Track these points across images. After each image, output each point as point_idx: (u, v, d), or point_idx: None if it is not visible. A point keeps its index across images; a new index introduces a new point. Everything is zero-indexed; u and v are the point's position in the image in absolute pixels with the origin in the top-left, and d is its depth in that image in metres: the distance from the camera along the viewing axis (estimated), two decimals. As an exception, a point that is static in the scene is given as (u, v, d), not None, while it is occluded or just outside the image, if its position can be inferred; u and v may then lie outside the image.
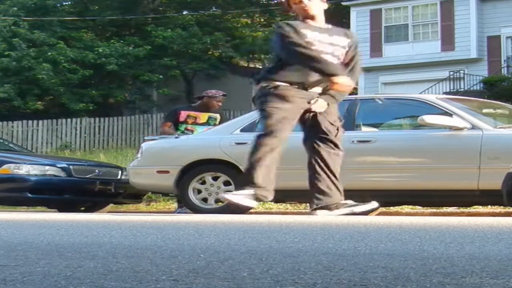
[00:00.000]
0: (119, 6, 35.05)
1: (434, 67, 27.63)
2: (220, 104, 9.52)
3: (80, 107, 30.23)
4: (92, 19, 34.64)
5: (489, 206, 9.27)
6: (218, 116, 9.52)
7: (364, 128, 7.95)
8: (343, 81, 5.66)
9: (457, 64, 27.41)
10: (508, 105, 9.56)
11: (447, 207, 9.51)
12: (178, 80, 34.13)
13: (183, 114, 9.47)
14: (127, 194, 10.04)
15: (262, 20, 40.06)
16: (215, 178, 8.05)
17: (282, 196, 7.76)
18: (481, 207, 9.34)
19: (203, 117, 9.44)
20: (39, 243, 3.42)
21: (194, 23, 34.59)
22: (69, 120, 27.49)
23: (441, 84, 26.97)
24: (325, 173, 6.00)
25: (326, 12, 5.99)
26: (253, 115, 8.13)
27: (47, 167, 9.85)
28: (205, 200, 8.05)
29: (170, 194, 10.08)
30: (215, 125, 9.31)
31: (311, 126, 5.97)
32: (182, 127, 9.39)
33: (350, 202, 6.12)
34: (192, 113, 9.50)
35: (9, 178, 9.63)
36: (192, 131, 9.32)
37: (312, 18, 5.85)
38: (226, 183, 8.04)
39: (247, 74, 31.87)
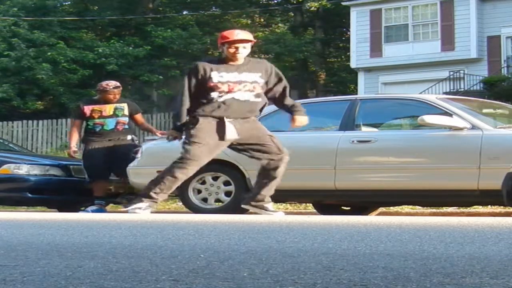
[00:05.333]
0: (119, 6, 35.04)
1: (434, 67, 27.61)
2: (116, 97, 9.15)
3: (80, 107, 30.20)
4: (92, 19, 34.63)
5: (489, 206, 9.27)
6: (125, 105, 9.25)
7: (364, 128, 7.95)
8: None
9: (457, 64, 27.40)
10: (508, 105, 9.56)
11: (447, 207, 9.51)
12: (178, 80, 34.09)
13: (87, 110, 9.15)
14: (127, 194, 10.03)
15: (262, 20, 40.07)
16: (215, 178, 8.05)
17: (282, 196, 7.77)
18: (481, 207, 9.34)
19: (108, 109, 9.13)
20: (39, 243, 3.42)
21: (194, 23, 34.59)
22: (69, 120, 27.47)
23: (441, 84, 26.96)
24: None
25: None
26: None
27: (47, 167, 9.83)
28: (205, 200, 8.05)
29: (170, 194, 10.06)
30: (123, 115, 9.13)
31: None
32: (91, 122, 9.11)
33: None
34: (96, 106, 9.17)
35: (9, 178, 9.62)
36: (102, 125, 9.08)
37: (236, 60, 6.74)
38: (226, 183, 8.04)
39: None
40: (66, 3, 36.43)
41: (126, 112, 9.21)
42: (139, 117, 9.51)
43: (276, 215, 6.67)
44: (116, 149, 9.04)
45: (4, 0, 32.29)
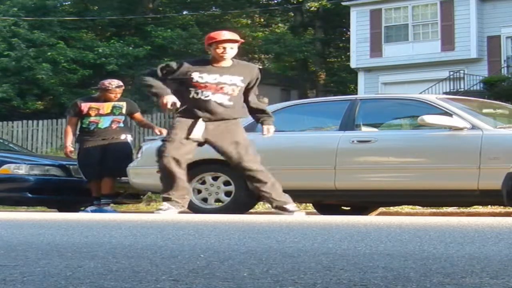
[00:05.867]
0: (119, 6, 35.05)
1: (434, 67, 27.62)
2: (116, 96, 9.11)
3: (80, 107, 30.23)
4: (92, 19, 34.64)
5: (489, 206, 9.27)
6: (123, 104, 9.21)
7: (364, 128, 7.95)
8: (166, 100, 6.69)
9: (457, 64, 27.40)
10: (508, 105, 9.56)
11: (447, 207, 9.51)
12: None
13: (84, 107, 9.11)
14: (127, 194, 10.04)
15: (262, 20, 40.08)
16: (215, 178, 8.05)
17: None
18: (481, 207, 9.34)
19: (106, 107, 9.09)
20: (39, 243, 3.42)
21: (194, 23, 34.60)
22: (69, 120, 27.45)
23: (441, 84, 26.96)
24: None
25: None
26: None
27: (47, 167, 9.84)
28: (205, 200, 8.05)
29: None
30: (120, 114, 9.10)
31: None
32: (87, 120, 9.07)
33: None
34: (94, 104, 9.14)
35: (9, 178, 9.62)
36: (96, 123, 9.04)
37: (222, 61, 6.77)
38: (226, 183, 8.03)
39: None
40: (66, 3, 36.44)
41: (124, 111, 9.20)
42: (138, 115, 9.52)
43: (296, 215, 6.66)
44: (110, 148, 9.02)
45: (4, 0, 32.30)
